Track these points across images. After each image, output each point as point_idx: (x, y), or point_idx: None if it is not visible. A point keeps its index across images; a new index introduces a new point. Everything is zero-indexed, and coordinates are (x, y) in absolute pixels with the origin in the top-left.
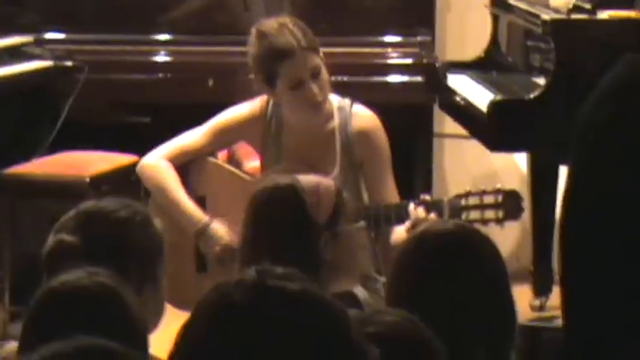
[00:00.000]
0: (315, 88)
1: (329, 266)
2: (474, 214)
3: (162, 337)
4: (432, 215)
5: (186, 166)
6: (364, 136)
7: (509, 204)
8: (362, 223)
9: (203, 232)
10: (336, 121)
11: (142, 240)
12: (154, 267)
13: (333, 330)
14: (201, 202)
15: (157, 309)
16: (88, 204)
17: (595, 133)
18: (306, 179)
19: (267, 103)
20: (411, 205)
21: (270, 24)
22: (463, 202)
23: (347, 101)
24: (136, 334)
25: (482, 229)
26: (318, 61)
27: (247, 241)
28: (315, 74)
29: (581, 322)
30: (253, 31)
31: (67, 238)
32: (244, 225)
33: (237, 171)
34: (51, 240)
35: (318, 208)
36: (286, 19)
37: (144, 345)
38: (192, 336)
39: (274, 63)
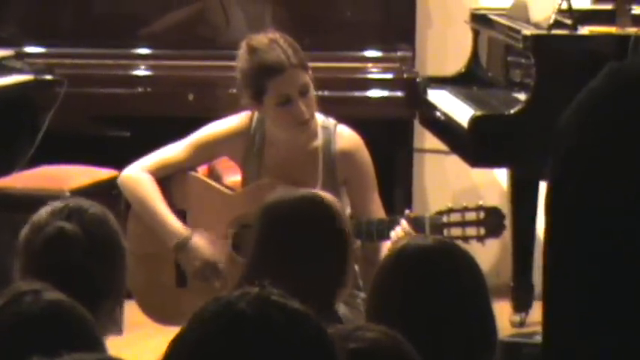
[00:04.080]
0: (302, 106)
1: None
2: (456, 231)
3: (143, 351)
4: (412, 232)
5: (167, 179)
6: (348, 156)
7: (490, 221)
8: (358, 242)
9: (183, 245)
10: (319, 140)
11: (116, 230)
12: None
13: (324, 348)
14: (182, 215)
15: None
16: (62, 202)
17: (568, 142)
18: (324, 194)
19: (252, 118)
20: (392, 233)
21: (260, 39)
22: (445, 218)
23: (331, 121)
24: (95, 340)
25: (463, 245)
26: (307, 79)
27: (259, 257)
28: (304, 92)
29: (560, 338)
30: (243, 45)
31: (67, 225)
32: (257, 238)
33: (218, 185)
34: (47, 226)
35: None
36: (277, 35)
37: (102, 346)
38: (191, 344)
39: (263, 78)
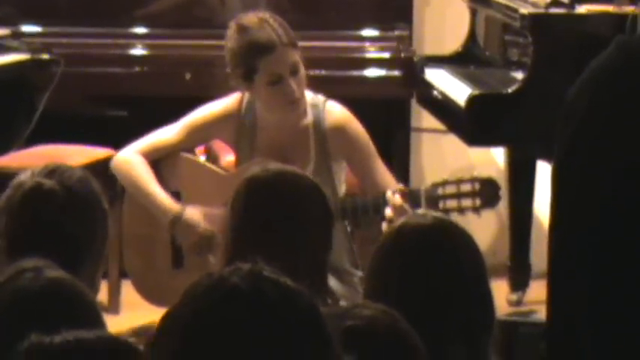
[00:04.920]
0: (293, 84)
1: None
2: (451, 203)
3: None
4: (406, 206)
5: (159, 161)
6: (339, 131)
7: (486, 192)
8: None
9: (177, 220)
10: (309, 118)
11: (97, 192)
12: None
13: (317, 324)
14: (175, 197)
15: None
16: (41, 168)
17: (576, 118)
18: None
19: (242, 100)
20: (389, 193)
21: (250, 18)
22: (440, 190)
23: (320, 98)
24: (96, 318)
25: (460, 220)
26: (297, 57)
27: (240, 233)
28: (294, 71)
29: (564, 318)
30: (232, 25)
31: (45, 181)
32: (234, 214)
33: (211, 165)
34: (26, 183)
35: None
36: (266, 15)
37: (103, 324)
38: (184, 318)
39: (254, 58)
